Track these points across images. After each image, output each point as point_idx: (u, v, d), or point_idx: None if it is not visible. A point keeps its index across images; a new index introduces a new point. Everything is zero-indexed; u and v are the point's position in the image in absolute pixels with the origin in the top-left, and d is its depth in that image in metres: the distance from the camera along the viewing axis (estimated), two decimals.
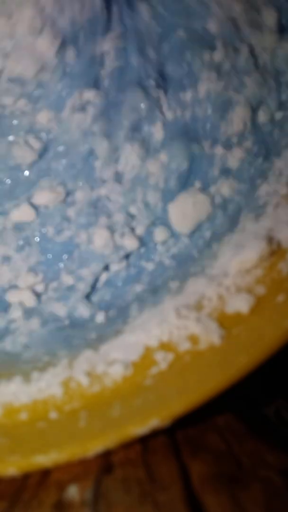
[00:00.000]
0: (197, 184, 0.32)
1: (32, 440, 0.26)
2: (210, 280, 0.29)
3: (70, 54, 0.32)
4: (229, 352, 0.26)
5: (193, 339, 0.27)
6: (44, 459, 0.25)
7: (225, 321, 0.27)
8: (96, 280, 0.32)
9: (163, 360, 0.27)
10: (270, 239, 0.28)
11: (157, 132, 0.32)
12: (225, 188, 0.32)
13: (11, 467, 0.25)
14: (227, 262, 0.29)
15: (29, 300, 0.31)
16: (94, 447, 0.25)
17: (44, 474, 0.25)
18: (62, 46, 0.31)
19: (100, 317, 0.31)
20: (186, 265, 0.31)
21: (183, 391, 0.25)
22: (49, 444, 0.25)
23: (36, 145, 0.32)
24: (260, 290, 0.27)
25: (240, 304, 0.27)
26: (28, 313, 0.31)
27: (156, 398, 0.26)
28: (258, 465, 0.23)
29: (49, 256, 0.32)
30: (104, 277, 0.32)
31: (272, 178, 0.31)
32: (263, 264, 0.28)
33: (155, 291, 0.31)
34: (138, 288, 0.31)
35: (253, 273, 0.28)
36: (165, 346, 0.27)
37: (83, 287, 0.31)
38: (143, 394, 0.26)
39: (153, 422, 0.25)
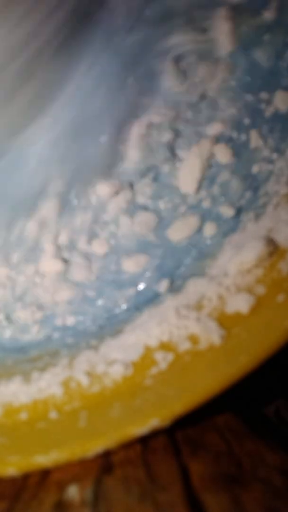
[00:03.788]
0: None
1: (32, 440, 0.26)
2: (210, 280, 0.29)
3: None
4: (229, 352, 0.26)
5: (193, 339, 0.27)
6: (44, 459, 0.25)
7: (225, 321, 0.27)
8: None
9: (163, 360, 0.27)
10: (270, 239, 0.28)
11: None
12: None
13: (11, 467, 0.25)
14: (227, 262, 0.29)
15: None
16: (94, 447, 0.25)
17: (44, 474, 0.25)
18: None
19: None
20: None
21: (183, 391, 0.25)
22: (49, 444, 0.25)
23: None
24: (260, 290, 0.27)
25: (240, 304, 0.27)
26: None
27: (156, 398, 0.26)
28: (258, 465, 0.23)
29: None
30: None
31: (273, 178, 0.31)
32: (263, 264, 0.28)
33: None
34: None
35: (253, 273, 0.28)
36: (165, 346, 0.27)
37: None
38: (143, 394, 0.26)
39: (153, 422, 0.25)
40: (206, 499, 0.22)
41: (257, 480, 0.22)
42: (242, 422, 0.28)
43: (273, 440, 0.26)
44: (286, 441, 0.26)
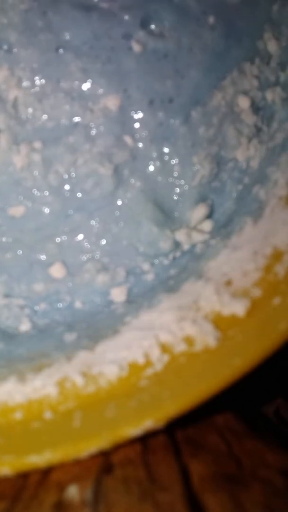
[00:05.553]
0: None
1: (26, 439, 0.26)
2: (207, 281, 0.29)
3: None
4: (224, 354, 0.26)
5: (189, 340, 0.27)
6: (37, 459, 0.24)
7: (221, 323, 0.27)
8: None
9: (158, 361, 0.27)
10: (267, 242, 0.28)
11: None
12: None
13: (5, 467, 0.24)
14: (224, 264, 0.29)
15: None
16: (88, 447, 0.25)
17: (44, 474, 0.25)
18: None
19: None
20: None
21: (178, 392, 0.25)
22: (43, 444, 0.25)
23: None
24: (256, 292, 0.27)
25: (236, 307, 0.27)
26: None
27: (151, 399, 0.26)
28: (258, 465, 0.23)
29: None
30: None
31: (270, 180, 0.31)
32: (260, 266, 0.28)
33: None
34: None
35: (250, 276, 0.28)
36: (160, 347, 0.27)
37: None
38: (138, 395, 0.26)
39: (147, 423, 0.25)
40: (206, 499, 0.22)
41: (257, 480, 0.22)
42: (242, 422, 0.28)
43: (273, 440, 0.26)
44: (286, 441, 0.26)
